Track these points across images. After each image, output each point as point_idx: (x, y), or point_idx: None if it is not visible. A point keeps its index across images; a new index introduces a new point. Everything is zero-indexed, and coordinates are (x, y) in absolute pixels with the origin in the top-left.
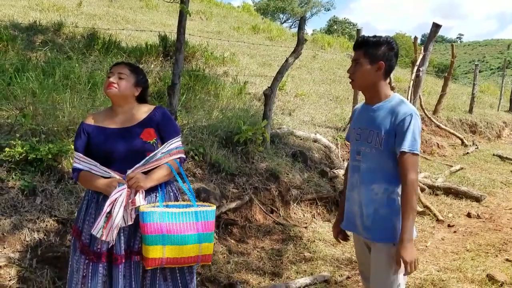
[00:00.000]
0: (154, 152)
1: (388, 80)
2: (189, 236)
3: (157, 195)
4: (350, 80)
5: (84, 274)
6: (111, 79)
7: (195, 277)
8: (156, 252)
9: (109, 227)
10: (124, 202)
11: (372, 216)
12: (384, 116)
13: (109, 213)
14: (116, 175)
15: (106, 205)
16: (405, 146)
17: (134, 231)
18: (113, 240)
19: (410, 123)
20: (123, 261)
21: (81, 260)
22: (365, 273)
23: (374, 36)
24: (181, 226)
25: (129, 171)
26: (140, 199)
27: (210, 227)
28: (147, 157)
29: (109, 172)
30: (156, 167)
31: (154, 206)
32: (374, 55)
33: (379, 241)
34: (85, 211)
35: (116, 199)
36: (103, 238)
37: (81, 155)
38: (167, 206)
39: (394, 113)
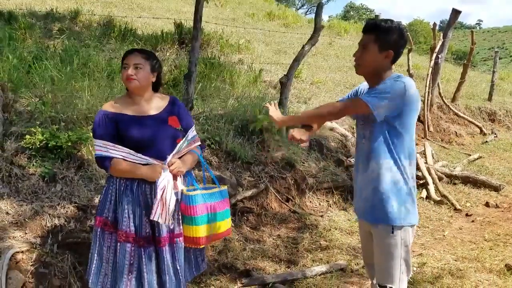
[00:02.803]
0: (184, 139)
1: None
2: (224, 212)
3: (188, 179)
4: (355, 64)
5: (132, 262)
6: (129, 72)
7: (204, 254)
8: (207, 230)
9: (165, 212)
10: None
11: (371, 197)
12: None
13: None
14: (155, 161)
15: (158, 192)
16: (362, 97)
17: (174, 215)
18: (172, 222)
19: (383, 83)
20: (167, 242)
21: (126, 249)
22: (369, 262)
23: (386, 21)
24: (218, 204)
25: (169, 157)
26: (180, 183)
27: (229, 204)
28: (179, 144)
29: (146, 159)
30: (184, 154)
31: (193, 189)
32: (384, 42)
33: (378, 222)
34: (114, 201)
35: (165, 185)
36: (162, 222)
37: (109, 143)
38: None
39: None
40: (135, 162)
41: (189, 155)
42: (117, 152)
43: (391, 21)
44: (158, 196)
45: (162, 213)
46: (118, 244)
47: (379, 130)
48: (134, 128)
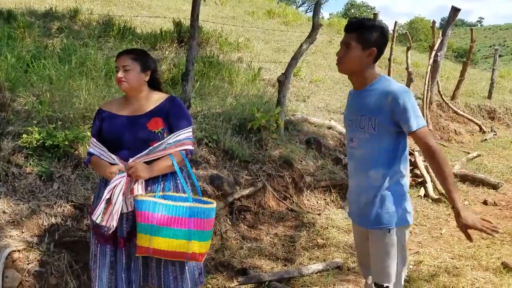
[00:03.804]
0: (159, 143)
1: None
2: (178, 231)
3: (160, 185)
4: (337, 62)
5: (95, 253)
6: (119, 75)
7: (202, 267)
8: (143, 241)
9: (108, 213)
10: (123, 190)
11: (370, 203)
12: (374, 99)
13: (109, 200)
14: (120, 163)
15: (105, 192)
16: (413, 126)
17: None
18: (113, 226)
19: (405, 101)
20: (125, 244)
21: (93, 240)
22: (364, 262)
23: (369, 20)
24: (171, 219)
25: (130, 160)
26: (138, 188)
27: (204, 225)
28: (151, 147)
29: (114, 159)
30: (160, 157)
31: (151, 196)
32: (367, 40)
33: (375, 227)
34: (98, 195)
35: (115, 186)
36: (103, 223)
37: (95, 140)
38: (164, 197)
39: (385, 94)
40: (106, 161)
41: (163, 160)
42: (96, 149)
43: (373, 20)
44: (103, 196)
45: (106, 214)
46: None
47: (380, 139)
48: (111, 128)
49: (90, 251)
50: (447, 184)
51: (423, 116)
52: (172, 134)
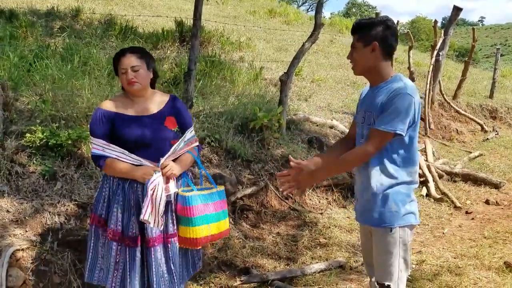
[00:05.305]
0: (180, 141)
1: (390, 61)
2: (221, 213)
3: (183, 181)
4: (352, 66)
5: (117, 260)
6: (130, 76)
7: (201, 254)
8: (205, 231)
9: (154, 213)
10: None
11: (372, 201)
12: (381, 97)
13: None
14: (147, 163)
15: (148, 192)
16: (379, 124)
17: (166, 216)
18: (161, 225)
19: (396, 102)
20: (157, 243)
21: (112, 247)
22: (369, 261)
23: (369, 18)
24: (215, 205)
25: (162, 159)
26: (172, 186)
27: (226, 204)
28: (174, 146)
29: (140, 160)
30: (181, 155)
31: (189, 190)
32: (367, 37)
33: (377, 225)
34: (107, 199)
35: (155, 186)
36: (153, 224)
37: (104, 141)
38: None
39: (387, 92)
40: (128, 162)
41: (185, 156)
42: (112, 151)
43: (373, 17)
44: (148, 196)
45: (152, 214)
46: (107, 241)
47: None
48: (130, 128)
49: (90, 257)
50: (335, 164)
51: (426, 116)
52: (186, 132)
